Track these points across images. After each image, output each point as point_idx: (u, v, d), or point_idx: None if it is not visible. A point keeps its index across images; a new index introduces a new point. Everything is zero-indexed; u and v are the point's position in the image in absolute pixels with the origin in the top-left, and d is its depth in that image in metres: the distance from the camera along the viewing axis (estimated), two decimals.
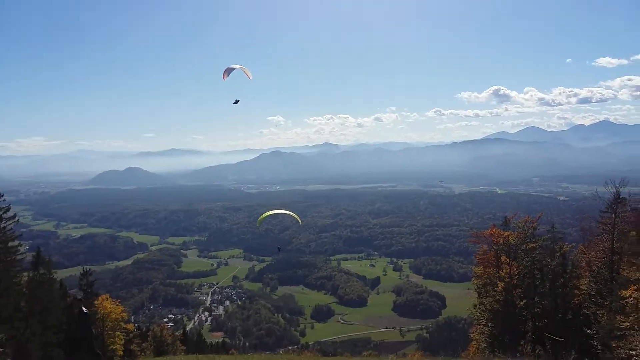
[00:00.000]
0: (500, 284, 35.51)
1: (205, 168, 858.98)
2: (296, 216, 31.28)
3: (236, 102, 35.46)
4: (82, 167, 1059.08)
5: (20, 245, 39.01)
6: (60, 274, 55.24)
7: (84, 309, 17.31)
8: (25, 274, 39.96)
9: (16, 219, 37.23)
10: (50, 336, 38.28)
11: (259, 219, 36.43)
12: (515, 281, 35.58)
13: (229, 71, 31.67)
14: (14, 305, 34.77)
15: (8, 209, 35.75)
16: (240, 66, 33.84)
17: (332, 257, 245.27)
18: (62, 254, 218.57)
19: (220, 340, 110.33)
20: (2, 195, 35.51)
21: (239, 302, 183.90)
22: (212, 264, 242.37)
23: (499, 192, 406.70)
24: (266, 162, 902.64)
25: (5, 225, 35.50)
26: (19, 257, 37.28)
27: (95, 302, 46.76)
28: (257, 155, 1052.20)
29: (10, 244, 36.25)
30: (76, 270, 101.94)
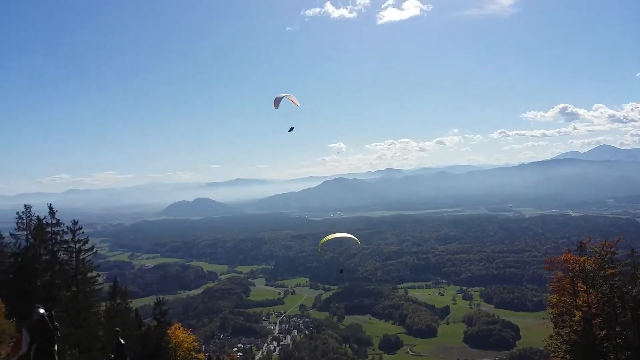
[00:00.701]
0: (578, 313, 33.75)
1: (270, 197, 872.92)
2: (355, 238, 31.49)
3: (291, 129, 35.96)
4: (154, 198, 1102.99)
5: (98, 276, 41.00)
6: (135, 304, 57.48)
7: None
8: (103, 303, 41.83)
9: (94, 250, 39.27)
10: None
11: (320, 243, 36.81)
12: (594, 310, 33.66)
13: (278, 100, 32.49)
14: (93, 334, 36.29)
15: (87, 241, 37.76)
16: (286, 94, 34.61)
17: (399, 285, 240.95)
18: (136, 284, 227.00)
19: None
20: (81, 228, 37.55)
21: (306, 332, 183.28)
22: (279, 293, 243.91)
23: (572, 214, 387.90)
24: (329, 189, 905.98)
25: (84, 256, 37.46)
26: (97, 287, 39.12)
27: (168, 331, 48.04)
28: (320, 182, 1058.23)
29: (89, 274, 38.17)
30: (150, 300, 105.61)
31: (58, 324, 11.53)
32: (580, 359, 32.87)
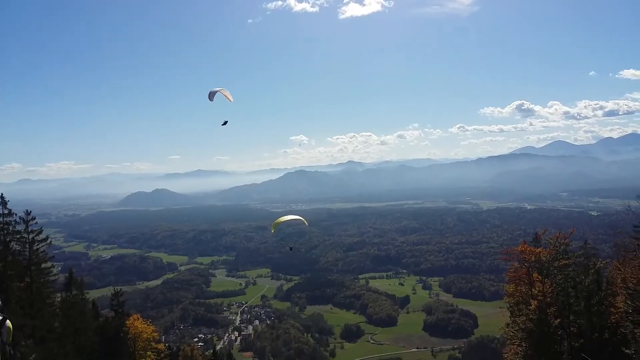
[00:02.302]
0: (534, 302, 34.62)
1: (231, 188, 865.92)
2: (304, 220, 32.02)
3: (224, 123, 35.40)
4: (111, 189, 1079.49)
5: (53, 267, 39.77)
6: (92, 295, 56.14)
7: None
8: (58, 295, 40.67)
9: (48, 241, 38.06)
10: (83, 357, 38.70)
11: (273, 224, 37.09)
12: (548, 299, 34.63)
13: (212, 94, 32.20)
14: (48, 326, 35.29)
15: (40, 232, 36.56)
16: (220, 89, 34.22)
17: (360, 276, 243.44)
18: (93, 275, 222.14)
19: None
20: (35, 218, 36.34)
21: (268, 322, 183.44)
22: (241, 284, 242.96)
23: (528, 207, 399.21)
24: (291, 181, 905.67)
25: (38, 247, 36.30)
26: (51, 278, 38.02)
27: (127, 322, 47.18)
28: (282, 174, 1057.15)
29: (43, 265, 37.01)
30: (107, 291, 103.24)
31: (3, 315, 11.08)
32: (536, 347, 33.78)
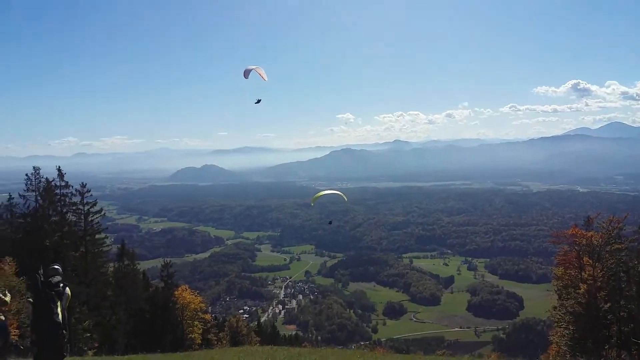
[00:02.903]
0: (583, 286, 33.75)
1: (277, 165, 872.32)
2: (343, 195, 32.14)
3: (258, 101, 35.17)
4: (162, 164, 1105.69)
5: (107, 238, 41.49)
6: (143, 265, 58.25)
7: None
8: (111, 264, 42.45)
9: (102, 213, 39.59)
10: (134, 324, 40.41)
11: (313, 198, 37.42)
12: (599, 283, 33.66)
13: (247, 72, 32.05)
14: (101, 294, 36.92)
15: (95, 204, 38.06)
16: (255, 67, 33.96)
17: (404, 255, 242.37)
18: (144, 247, 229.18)
19: (293, 333, 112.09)
20: (90, 191, 37.80)
21: (312, 297, 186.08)
22: (285, 259, 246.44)
23: (580, 190, 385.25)
24: (337, 159, 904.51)
25: (92, 218, 37.81)
26: (105, 248, 39.63)
27: (175, 292, 48.75)
28: (328, 152, 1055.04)
29: (97, 236, 38.60)
30: (157, 262, 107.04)
31: (56, 279, 11.67)
32: (583, 330, 33.06)
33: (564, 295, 38.46)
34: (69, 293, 12.11)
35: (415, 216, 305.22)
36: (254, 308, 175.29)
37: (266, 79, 31.89)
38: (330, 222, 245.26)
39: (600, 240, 35.28)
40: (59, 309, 11.27)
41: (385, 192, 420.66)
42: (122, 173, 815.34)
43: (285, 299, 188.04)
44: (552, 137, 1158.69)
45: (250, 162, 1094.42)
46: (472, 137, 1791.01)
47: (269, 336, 68.07)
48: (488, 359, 33.44)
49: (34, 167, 36.98)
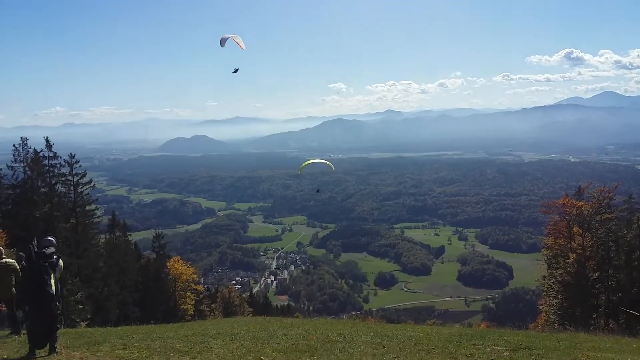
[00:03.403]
0: (572, 256, 34.18)
1: (269, 136, 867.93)
2: (331, 164, 32.08)
3: (235, 70, 34.26)
4: (151, 134, 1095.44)
5: (97, 209, 41.21)
6: (134, 237, 58.16)
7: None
8: (102, 236, 42.29)
9: (92, 184, 39.26)
10: (126, 295, 40.51)
11: (301, 167, 37.43)
12: (588, 253, 34.07)
13: (223, 40, 31.22)
14: (93, 265, 36.85)
15: (84, 175, 37.70)
16: (232, 35, 33.03)
17: (395, 225, 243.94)
18: (135, 218, 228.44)
19: (286, 303, 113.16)
20: (79, 162, 37.41)
21: (303, 267, 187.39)
22: (277, 230, 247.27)
23: (572, 160, 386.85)
24: (328, 129, 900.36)
25: (82, 189, 37.48)
26: (96, 220, 39.41)
27: (168, 263, 48.83)
28: (320, 123, 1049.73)
29: (87, 207, 38.34)
30: (149, 234, 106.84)
31: (50, 250, 11.53)
32: (572, 299, 33.56)
33: (553, 264, 39.01)
34: (62, 265, 12.03)
35: (407, 187, 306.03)
36: (246, 279, 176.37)
37: (244, 48, 31.06)
38: (318, 191, 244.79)
39: (590, 210, 35.61)
40: (52, 281, 11.19)
41: (377, 163, 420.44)
42: (111, 144, 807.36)
43: (277, 270, 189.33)
44: (544, 106, 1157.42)
45: (241, 132, 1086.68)
46: (464, 106, 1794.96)
47: (261, 306, 68.65)
48: (478, 328, 33.77)
49: (21, 138, 36.43)
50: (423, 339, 13.56)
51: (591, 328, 23.66)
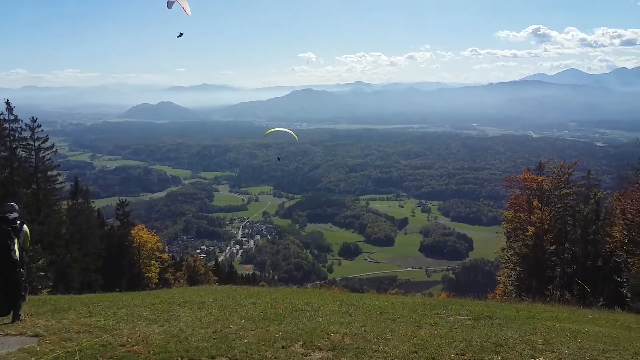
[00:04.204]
0: (531, 229, 35.28)
1: (237, 104, 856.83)
2: (294, 135, 32.23)
3: (180, 35, 33.07)
4: (116, 99, 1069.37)
5: (59, 175, 40.23)
6: (97, 204, 57.17)
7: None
8: (64, 202, 41.39)
9: (54, 149, 38.30)
10: (89, 262, 39.99)
11: (265, 133, 37.67)
12: (546, 226, 35.24)
13: (170, 3, 30.14)
14: (55, 231, 36.16)
15: (46, 139, 36.69)
16: None
17: (361, 197, 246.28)
18: (98, 185, 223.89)
19: (251, 272, 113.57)
20: (40, 126, 36.33)
21: (269, 237, 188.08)
22: (243, 199, 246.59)
23: (534, 135, 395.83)
24: (297, 99, 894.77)
25: (44, 154, 36.52)
26: (58, 186, 38.50)
27: (132, 231, 48.30)
28: (288, 92, 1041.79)
29: (49, 173, 37.40)
30: (112, 201, 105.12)
31: (13, 215, 11.29)
32: (529, 271, 34.77)
33: (512, 237, 40.25)
34: (27, 230, 11.78)
35: (373, 159, 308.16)
36: (212, 248, 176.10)
37: (189, 14, 29.91)
38: (279, 159, 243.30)
39: (550, 185, 36.69)
40: (16, 246, 10.97)
41: (345, 135, 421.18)
42: (74, 108, 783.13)
43: (243, 239, 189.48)
44: (510, 82, 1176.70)
45: (208, 100, 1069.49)
46: (432, 80, 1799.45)
47: (226, 275, 68.82)
48: (438, 297, 34.78)
49: None
50: (388, 308, 13.92)
51: (547, 299, 24.68)
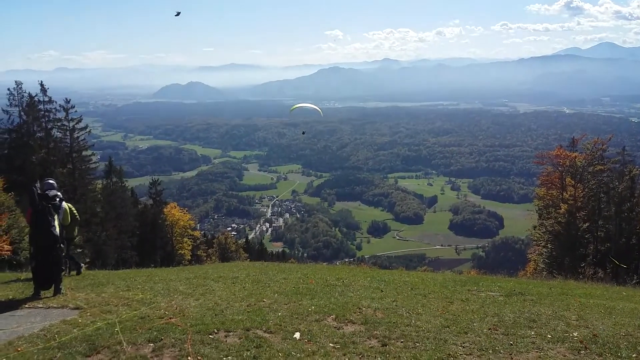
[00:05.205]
0: (564, 206, 34.68)
1: (265, 83, 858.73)
2: (320, 110, 32.30)
3: (178, 14, 32.50)
4: (145, 80, 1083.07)
5: (93, 155, 41.13)
6: (130, 183, 58.36)
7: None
8: (99, 181, 42.39)
9: (88, 129, 39.06)
10: (124, 240, 41.04)
11: (291, 109, 38.00)
12: (579, 204, 34.58)
13: None
14: (91, 210, 37.11)
15: (80, 120, 37.41)
16: None
17: (389, 175, 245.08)
18: (130, 164, 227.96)
19: (280, 250, 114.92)
20: (74, 107, 37.01)
21: (298, 215, 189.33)
22: (272, 178, 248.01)
23: (567, 111, 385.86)
24: (324, 78, 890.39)
25: (78, 135, 37.29)
26: (92, 165, 39.36)
27: (164, 209, 49.22)
28: (316, 71, 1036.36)
29: (84, 153, 38.21)
30: (145, 180, 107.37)
31: (52, 192, 11.66)
32: (561, 248, 34.27)
33: (544, 214, 39.65)
34: (67, 207, 12.20)
35: (401, 137, 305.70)
36: (242, 226, 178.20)
37: None
38: (303, 132, 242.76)
39: (583, 162, 35.94)
40: (56, 222, 11.34)
41: (373, 112, 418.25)
42: (105, 89, 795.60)
43: (272, 218, 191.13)
44: (542, 57, 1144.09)
45: (236, 79, 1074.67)
46: (462, 56, 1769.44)
47: (256, 252, 69.81)
48: (468, 275, 34.63)
49: (15, 82, 35.77)
50: (419, 284, 13.96)
51: (580, 277, 24.36)
